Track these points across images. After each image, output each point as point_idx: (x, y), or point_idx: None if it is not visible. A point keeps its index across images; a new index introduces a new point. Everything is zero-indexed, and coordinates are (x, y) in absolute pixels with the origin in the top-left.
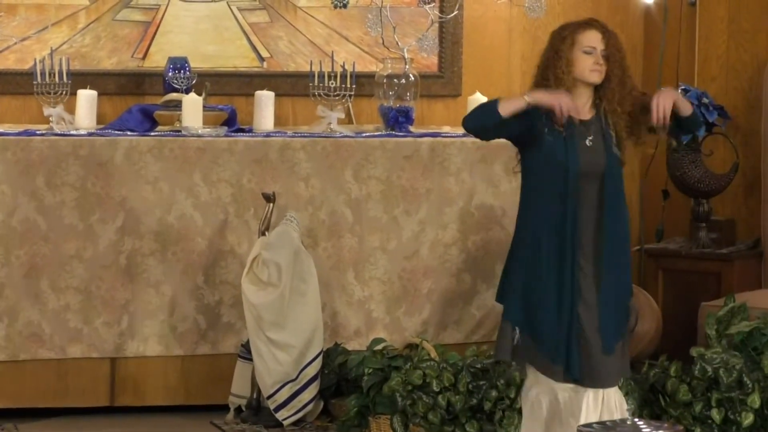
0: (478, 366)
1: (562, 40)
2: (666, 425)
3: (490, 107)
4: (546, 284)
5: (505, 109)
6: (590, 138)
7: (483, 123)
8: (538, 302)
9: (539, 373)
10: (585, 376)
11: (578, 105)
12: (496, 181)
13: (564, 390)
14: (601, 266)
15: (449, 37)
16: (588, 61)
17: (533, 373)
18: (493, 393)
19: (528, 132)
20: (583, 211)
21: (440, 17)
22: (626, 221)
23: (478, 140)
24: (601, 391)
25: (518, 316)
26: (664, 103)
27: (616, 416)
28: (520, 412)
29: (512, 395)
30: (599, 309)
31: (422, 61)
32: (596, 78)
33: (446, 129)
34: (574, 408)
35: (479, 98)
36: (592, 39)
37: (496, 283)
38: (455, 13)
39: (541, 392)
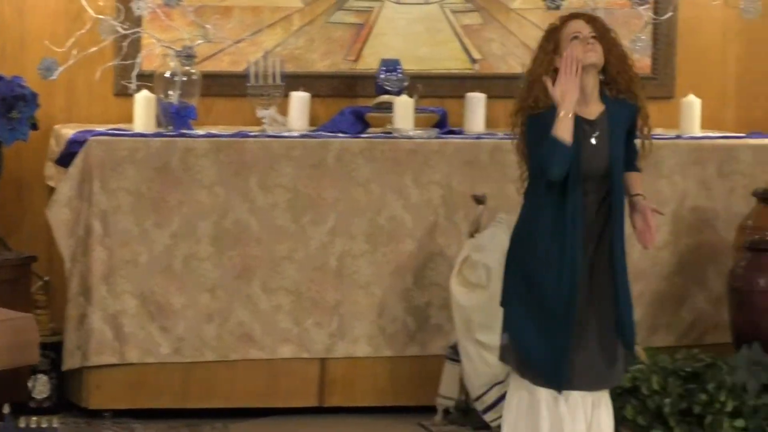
0: (688, 369)
1: (547, 42)
2: None
3: (557, 148)
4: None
5: (566, 136)
6: (595, 135)
7: (564, 161)
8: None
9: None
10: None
11: (581, 101)
12: (709, 183)
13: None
14: (612, 273)
15: (663, 39)
16: (578, 47)
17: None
18: (703, 397)
19: None
20: (588, 212)
21: (654, 18)
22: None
23: (692, 142)
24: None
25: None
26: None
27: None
28: (730, 415)
29: (722, 399)
30: (617, 308)
31: (635, 62)
32: (593, 58)
33: (659, 131)
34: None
35: (693, 100)
36: (577, 26)
37: (709, 286)
38: (669, 14)
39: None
